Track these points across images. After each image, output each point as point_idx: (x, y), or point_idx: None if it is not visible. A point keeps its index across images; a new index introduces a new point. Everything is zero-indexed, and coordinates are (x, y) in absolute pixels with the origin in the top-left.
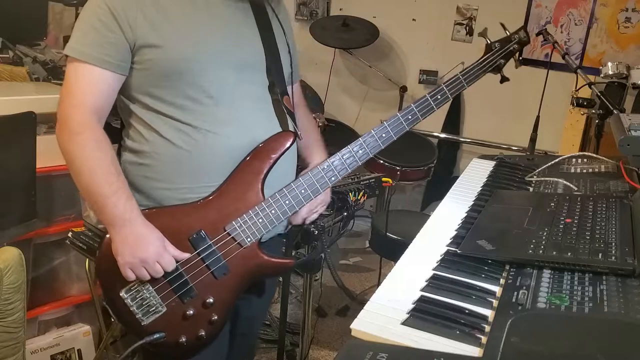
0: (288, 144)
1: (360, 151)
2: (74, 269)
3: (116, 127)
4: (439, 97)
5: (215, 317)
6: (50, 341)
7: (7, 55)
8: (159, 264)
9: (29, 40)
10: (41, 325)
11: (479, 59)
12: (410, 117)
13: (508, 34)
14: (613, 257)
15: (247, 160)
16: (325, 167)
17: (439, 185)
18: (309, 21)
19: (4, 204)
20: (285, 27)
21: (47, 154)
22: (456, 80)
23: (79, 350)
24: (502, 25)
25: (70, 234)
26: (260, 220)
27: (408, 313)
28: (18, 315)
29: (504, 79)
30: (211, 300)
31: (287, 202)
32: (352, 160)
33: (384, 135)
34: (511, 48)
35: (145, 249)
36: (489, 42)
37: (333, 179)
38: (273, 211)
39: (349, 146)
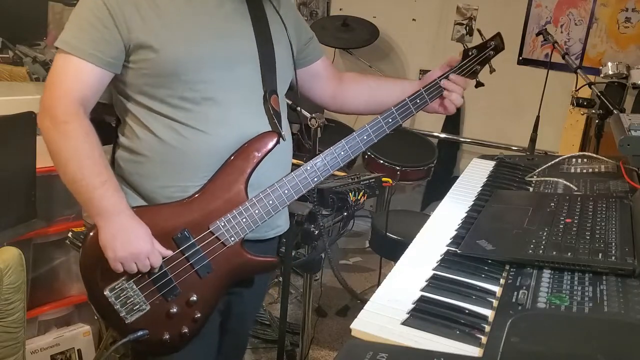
0: (271, 144)
1: (342, 153)
2: (74, 269)
3: (114, 127)
4: (417, 101)
5: (199, 315)
6: (50, 341)
7: (7, 55)
8: (149, 260)
9: (29, 40)
10: (41, 325)
11: (456, 65)
12: (390, 120)
13: (484, 40)
14: (613, 257)
15: (232, 160)
16: (309, 168)
17: (439, 185)
18: (309, 21)
19: (3, 204)
20: (287, 20)
21: (47, 154)
22: (434, 85)
23: (79, 350)
24: (479, 31)
25: (70, 234)
26: (244, 220)
27: (408, 313)
28: (18, 315)
29: (479, 84)
30: (195, 298)
31: (270, 202)
32: (334, 161)
33: (365, 137)
34: (487, 54)
35: (137, 244)
36: (465, 47)
37: (316, 179)
38: (257, 211)
39: (331, 148)
